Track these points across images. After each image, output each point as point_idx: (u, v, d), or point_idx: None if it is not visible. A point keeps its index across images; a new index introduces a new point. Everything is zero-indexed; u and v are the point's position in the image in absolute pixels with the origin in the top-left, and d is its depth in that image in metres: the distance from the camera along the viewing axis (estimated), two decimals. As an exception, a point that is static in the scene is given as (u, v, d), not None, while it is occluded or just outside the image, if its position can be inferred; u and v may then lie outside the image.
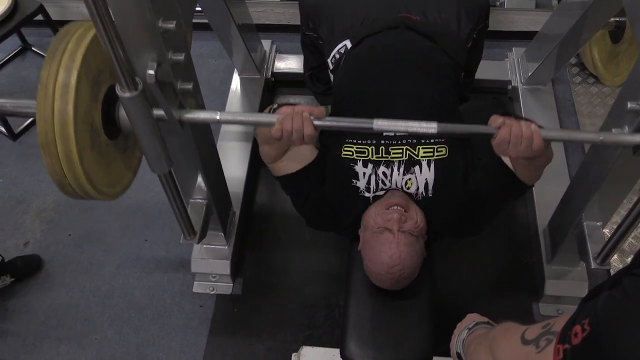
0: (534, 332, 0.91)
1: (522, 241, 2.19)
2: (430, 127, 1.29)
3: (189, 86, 1.33)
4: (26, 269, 2.18)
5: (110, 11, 1.06)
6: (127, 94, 1.19)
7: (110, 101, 1.34)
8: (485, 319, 1.29)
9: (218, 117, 1.34)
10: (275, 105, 1.44)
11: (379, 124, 1.29)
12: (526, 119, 1.32)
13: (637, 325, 0.72)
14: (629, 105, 1.31)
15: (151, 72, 1.19)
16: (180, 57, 1.26)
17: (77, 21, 1.29)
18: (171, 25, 1.19)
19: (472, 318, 1.31)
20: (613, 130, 1.37)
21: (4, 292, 2.12)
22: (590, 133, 1.35)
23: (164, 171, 1.39)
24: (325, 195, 1.58)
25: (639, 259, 0.84)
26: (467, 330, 1.27)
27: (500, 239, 2.20)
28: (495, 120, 1.29)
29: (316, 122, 1.29)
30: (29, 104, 1.29)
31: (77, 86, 1.20)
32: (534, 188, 2.17)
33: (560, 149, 2.32)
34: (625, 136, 1.33)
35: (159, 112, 1.28)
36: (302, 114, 1.29)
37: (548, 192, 2.08)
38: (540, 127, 1.30)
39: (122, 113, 1.34)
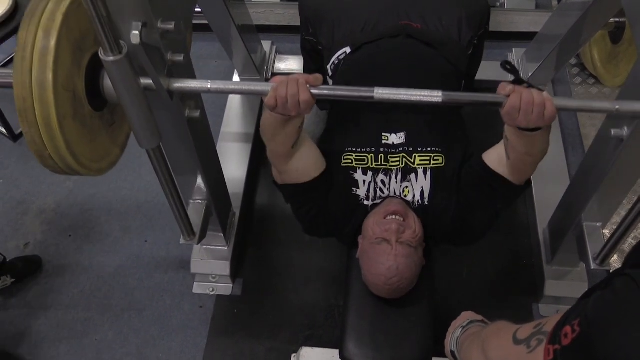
0: (526, 332, 0.91)
1: (521, 242, 2.19)
2: (434, 95, 1.24)
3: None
4: (26, 269, 2.18)
5: None
6: (111, 57, 1.12)
7: (95, 70, 1.27)
8: (480, 318, 1.29)
9: (209, 86, 1.27)
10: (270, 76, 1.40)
11: (380, 92, 1.25)
12: (538, 88, 1.24)
13: (627, 326, 0.72)
14: (629, 105, 1.31)
15: (136, 32, 1.11)
16: (170, 25, 1.19)
17: None
18: (170, 26, 1.19)
19: (466, 316, 1.31)
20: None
21: (4, 292, 2.12)
22: (605, 102, 1.28)
23: (153, 146, 1.31)
24: (328, 206, 1.56)
25: (631, 260, 0.85)
26: (461, 329, 1.28)
27: (500, 240, 2.20)
28: (504, 87, 1.22)
29: (313, 90, 1.25)
30: (7, 73, 1.21)
31: (57, 49, 1.14)
32: (533, 188, 2.17)
33: (560, 149, 2.32)
34: None
35: (146, 81, 1.21)
36: (297, 81, 1.24)
37: (548, 193, 2.08)
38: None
39: (107, 82, 1.27)
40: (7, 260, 2.13)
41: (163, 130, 1.33)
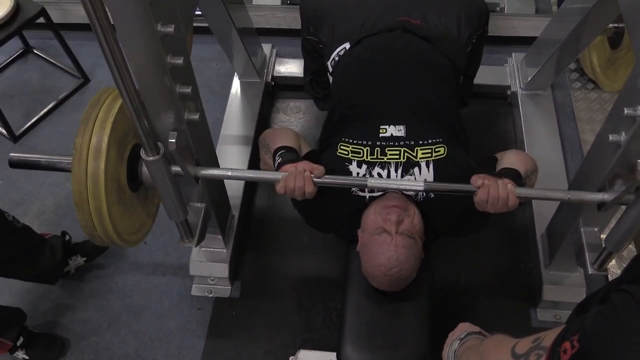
0: (524, 347, 0.92)
1: (520, 246, 2.19)
2: (417, 184, 1.46)
3: (188, 90, 1.37)
4: (96, 248, 2.19)
5: (134, 79, 1.18)
6: (151, 158, 1.35)
7: (134, 158, 1.50)
8: (477, 329, 1.29)
9: (230, 174, 1.52)
10: (279, 159, 1.54)
11: (372, 182, 1.46)
12: (506, 171, 1.50)
13: (626, 342, 0.73)
14: (626, 111, 1.32)
15: (172, 140, 1.35)
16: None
17: (106, 88, 1.45)
18: (170, 29, 1.20)
19: (463, 328, 1.30)
20: (581, 189, 1.55)
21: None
22: (559, 192, 1.56)
23: (181, 219, 1.55)
24: (320, 193, 1.58)
25: (628, 274, 0.85)
26: (458, 341, 1.27)
27: (499, 244, 2.20)
28: (476, 180, 1.43)
29: (316, 180, 1.46)
30: (62, 160, 1.49)
31: (107, 150, 1.36)
32: (532, 193, 2.17)
33: (558, 154, 2.33)
34: (589, 195, 1.49)
35: (176, 169, 1.44)
36: (303, 174, 1.44)
37: (546, 197, 2.08)
38: (518, 176, 1.47)
39: (144, 170, 1.50)
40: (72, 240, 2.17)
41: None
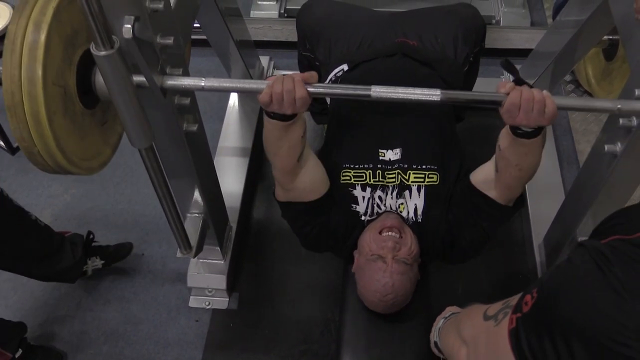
0: (495, 309, 0.98)
1: (517, 257, 2.20)
2: (432, 94, 1.24)
3: (169, 41, 1.23)
4: (116, 253, 2.19)
5: None
6: (103, 52, 1.09)
7: (87, 66, 1.27)
8: (460, 310, 1.33)
9: (203, 84, 1.26)
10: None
11: (377, 90, 1.24)
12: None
13: (576, 287, 0.78)
14: (621, 121, 1.33)
15: (128, 26, 1.10)
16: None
17: None
18: (169, 41, 1.21)
19: (449, 310, 1.37)
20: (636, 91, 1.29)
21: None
22: (607, 101, 1.26)
23: (145, 145, 1.27)
24: (329, 224, 1.56)
25: (590, 235, 0.89)
26: (443, 320, 1.32)
27: (496, 254, 2.20)
28: (504, 85, 1.20)
29: (309, 88, 1.24)
30: None
31: (47, 43, 1.13)
32: (529, 204, 2.18)
33: (555, 165, 2.34)
34: None
35: (138, 78, 1.20)
36: (293, 77, 1.24)
37: (543, 208, 2.09)
38: None
39: (99, 79, 1.26)
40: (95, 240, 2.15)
41: (158, 138, 1.35)
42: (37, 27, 1.12)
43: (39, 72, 1.12)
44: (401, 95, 1.25)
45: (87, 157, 1.33)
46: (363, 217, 1.55)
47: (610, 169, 1.46)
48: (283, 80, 1.23)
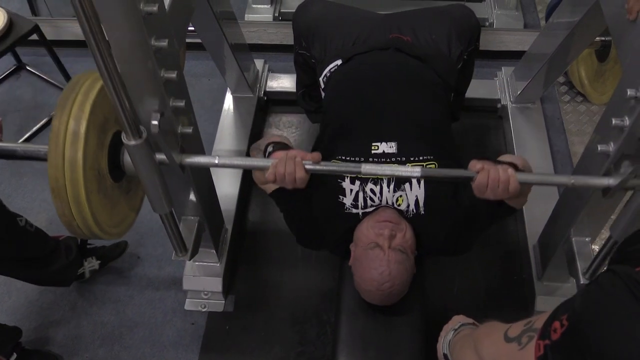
0: (517, 330, 0.94)
1: (512, 257, 2.21)
2: (414, 171, 1.38)
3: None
4: (112, 252, 2.21)
5: (115, 60, 1.11)
6: (132, 142, 1.26)
7: (116, 146, 1.43)
8: (471, 320, 1.32)
9: (216, 162, 1.43)
10: (271, 148, 1.51)
11: (367, 168, 1.38)
12: (503, 162, 1.40)
13: (612, 318, 0.75)
14: (614, 121, 1.34)
15: (155, 122, 1.26)
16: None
17: (85, 72, 1.38)
18: (163, 43, 1.21)
19: (457, 319, 1.34)
20: (585, 177, 1.46)
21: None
22: (563, 176, 1.47)
23: (165, 211, 1.45)
24: (312, 211, 1.59)
25: (616, 257, 0.87)
26: (452, 332, 1.30)
27: (491, 255, 2.21)
28: (475, 165, 1.37)
29: (308, 166, 1.38)
30: (39, 149, 1.41)
31: (86, 135, 1.29)
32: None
33: (549, 165, 2.35)
34: (594, 179, 1.41)
35: (161, 157, 1.35)
36: (294, 159, 1.37)
37: (537, 209, 2.10)
38: (516, 168, 1.39)
39: (126, 158, 1.43)
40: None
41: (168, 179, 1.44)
42: (77, 122, 1.29)
43: (80, 161, 1.28)
44: (387, 172, 1.42)
45: (116, 224, 1.51)
46: (355, 210, 1.56)
47: (603, 170, 1.47)
48: (286, 162, 1.37)
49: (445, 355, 1.31)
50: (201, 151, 1.65)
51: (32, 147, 1.45)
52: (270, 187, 1.59)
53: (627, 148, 1.36)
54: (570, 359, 0.78)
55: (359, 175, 1.54)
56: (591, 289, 0.81)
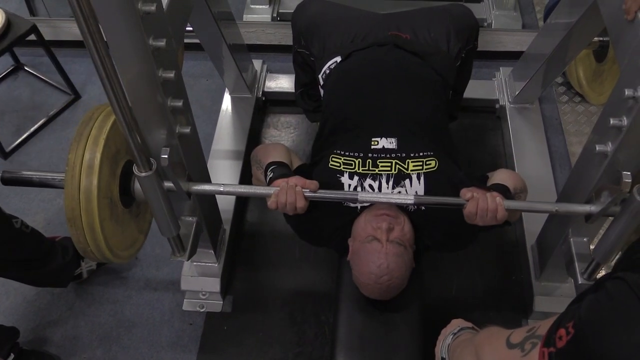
0: (519, 336, 0.93)
1: (510, 257, 2.21)
2: (407, 198, 1.47)
3: (179, 104, 1.37)
4: None
5: (126, 93, 1.18)
6: (144, 174, 1.35)
7: (127, 175, 1.52)
8: (470, 324, 1.31)
9: (222, 189, 1.53)
10: (271, 174, 1.55)
11: (362, 196, 1.47)
12: (496, 185, 1.52)
13: (621, 328, 0.74)
14: (612, 121, 1.34)
15: (165, 156, 1.35)
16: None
17: (99, 106, 1.47)
18: (161, 43, 1.21)
19: (456, 323, 1.33)
20: (570, 203, 1.56)
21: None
22: (547, 204, 1.53)
23: (173, 235, 1.55)
24: (311, 206, 1.58)
25: (622, 263, 0.86)
26: (452, 336, 1.29)
27: (489, 255, 2.21)
28: (465, 193, 1.44)
29: (307, 194, 1.46)
30: (55, 177, 1.51)
31: (100, 166, 1.37)
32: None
33: (547, 166, 2.35)
34: (577, 207, 1.51)
35: (169, 185, 1.44)
36: (294, 188, 1.45)
37: (536, 209, 2.10)
38: (507, 191, 1.49)
39: (137, 186, 1.51)
40: None
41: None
42: (91, 156, 1.37)
43: (95, 191, 1.37)
44: (383, 199, 1.49)
45: (126, 247, 1.59)
46: (352, 205, 1.56)
47: (601, 169, 1.47)
48: (287, 192, 1.45)
49: (442, 359, 1.31)
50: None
51: (48, 175, 1.53)
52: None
53: (623, 153, 1.38)
54: None
55: (357, 171, 1.55)
56: (599, 297, 0.80)
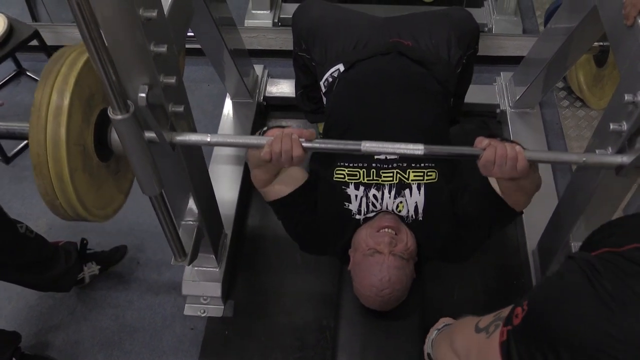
0: (487, 321, 0.99)
1: (512, 262, 2.20)
2: (417, 148, 1.33)
3: (180, 109, 1.35)
4: (112, 256, 2.21)
5: (103, 35, 1.08)
6: (119, 116, 1.20)
7: (103, 124, 1.38)
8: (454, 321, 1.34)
9: (209, 140, 1.37)
10: (265, 128, 1.46)
11: (367, 145, 1.33)
12: (511, 141, 1.35)
13: (568, 301, 0.79)
14: (612, 126, 1.35)
15: (142, 95, 1.21)
16: (172, 80, 1.28)
17: (70, 45, 1.33)
18: (163, 49, 1.21)
19: (442, 321, 1.39)
20: (597, 151, 1.41)
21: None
22: (573, 154, 1.38)
23: (155, 193, 1.40)
24: (317, 220, 1.58)
25: (582, 246, 0.92)
26: (436, 331, 1.33)
27: (491, 261, 2.21)
28: (481, 141, 1.32)
29: (305, 144, 1.33)
30: (22, 127, 1.33)
31: (69, 109, 1.23)
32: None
33: (548, 171, 2.35)
34: (607, 157, 1.37)
35: (150, 135, 1.30)
36: (290, 136, 1.32)
37: (537, 214, 2.09)
38: (524, 149, 1.32)
39: (114, 136, 1.37)
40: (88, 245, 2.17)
41: (159, 163, 1.38)
42: (60, 95, 1.23)
43: (63, 135, 1.23)
44: (389, 149, 1.36)
45: (103, 205, 1.45)
46: (357, 216, 1.56)
47: (601, 174, 1.47)
48: (282, 139, 1.32)
49: (428, 355, 1.34)
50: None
51: (14, 125, 1.38)
52: (270, 195, 1.58)
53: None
54: (530, 342, 0.82)
55: (362, 181, 1.54)
56: (551, 276, 0.86)
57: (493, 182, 1.53)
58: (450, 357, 1.17)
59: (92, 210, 1.39)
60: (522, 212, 1.53)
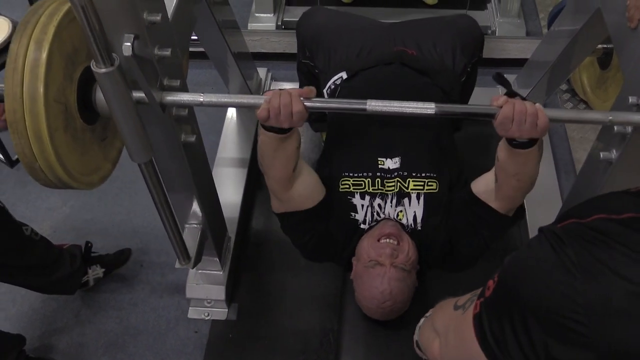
0: (464, 299, 1.03)
1: (516, 265, 2.20)
2: (428, 107, 1.26)
3: (167, 52, 1.24)
4: (116, 260, 2.21)
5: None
6: (103, 70, 1.11)
7: (87, 83, 1.29)
8: None
9: (202, 99, 1.29)
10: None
11: (373, 104, 1.27)
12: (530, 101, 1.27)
13: (532, 268, 0.83)
14: (616, 129, 1.34)
15: (127, 44, 1.12)
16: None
17: None
18: (167, 52, 1.22)
19: (431, 310, 1.38)
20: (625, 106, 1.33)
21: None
22: (598, 113, 1.27)
23: (145, 160, 1.30)
24: (328, 232, 1.57)
25: (555, 221, 0.94)
26: (424, 319, 1.34)
27: (494, 263, 2.17)
28: (497, 99, 1.23)
29: (306, 102, 1.27)
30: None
31: (48, 61, 1.14)
32: (527, 212, 2.18)
33: (552, 173, 2.35)
34: (635, 115, 1.28)
35: (138, 95, 1.22)
36: (290, 92, 1.27)
37: (541, 216, 2.09)
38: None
39: (99, 95, 1.28)
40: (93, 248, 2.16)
41: (157, 150, 1.36)
42: (38, 46, 1.13)
43: (40, 90, 1.13)
44: (396, 109, 1.27)
45: (87, 172, 1.35)
46: (363, 226, 1.55)
47: (605, 176, 1.47)
48: (280, 94, 1.25)
49: (416, 342, 1.36)
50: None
51: None
52: (278, 207, 1.55)
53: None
54: (500, 311, 0.86)
55: (368, 191, 1.53)
56: (521, 249, 0.90)
57: (481, 182, 1.50)
58: (432, 338, 1.20)
59: (75, 175, 1.29)
60: (511, 218, 1.49)
